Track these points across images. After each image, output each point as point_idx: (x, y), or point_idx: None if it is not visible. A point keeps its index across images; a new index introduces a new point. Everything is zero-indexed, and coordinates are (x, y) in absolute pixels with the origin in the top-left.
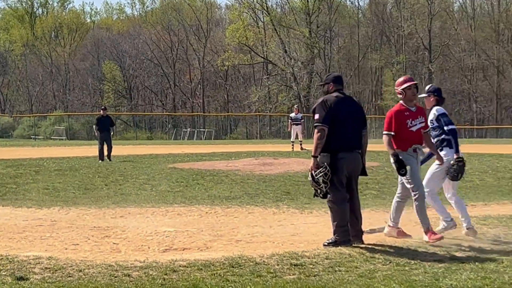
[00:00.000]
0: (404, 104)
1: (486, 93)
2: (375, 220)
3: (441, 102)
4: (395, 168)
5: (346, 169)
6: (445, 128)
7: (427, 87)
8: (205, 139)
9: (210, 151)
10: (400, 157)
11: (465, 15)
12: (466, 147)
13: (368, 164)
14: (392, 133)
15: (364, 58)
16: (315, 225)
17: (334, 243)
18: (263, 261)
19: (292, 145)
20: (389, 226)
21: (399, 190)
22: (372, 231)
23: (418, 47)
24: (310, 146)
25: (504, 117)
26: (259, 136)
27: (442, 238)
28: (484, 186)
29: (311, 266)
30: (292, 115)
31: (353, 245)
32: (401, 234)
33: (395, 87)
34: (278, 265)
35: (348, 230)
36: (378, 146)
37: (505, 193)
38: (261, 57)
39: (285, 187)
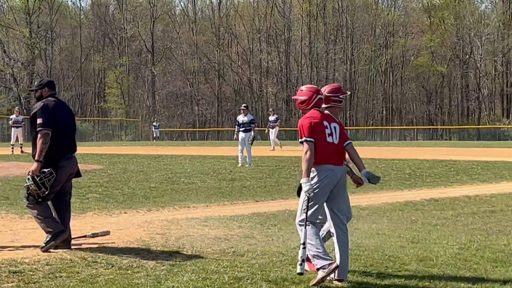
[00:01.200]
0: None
1: (207, 96)
2: (97, 224)
3: None
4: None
5: (65, 174)
6: None
7: None
8: None
9: None
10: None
11: (187, 18)
12: (193, 150)
13: (90, 167)
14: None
15: (87, 59)
16: (35, 230)
17: (52, 238)
18: None
19: (12, 148)
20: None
21: None
22: (94, 235)
23: (141, 49)
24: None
25: (225, 119)
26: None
27: None
28: (205, 188)
29: (30, 273)
30: (13, 117)
31: (72, 249)
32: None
33: (331, 93)
34: None
35: (56, 220)
36: (101, 149)
37: (226, 194)
38: None
39: (4, 191)
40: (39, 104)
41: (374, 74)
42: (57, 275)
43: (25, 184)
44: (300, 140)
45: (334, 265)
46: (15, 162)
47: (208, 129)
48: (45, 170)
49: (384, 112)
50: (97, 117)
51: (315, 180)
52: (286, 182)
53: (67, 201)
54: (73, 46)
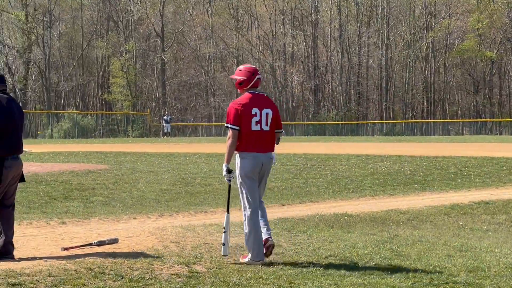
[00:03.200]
0: None
1: (225, 85)
2: (104, 231)
3: None
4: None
5: (11, 175)
6: None
7: None
8: None
9: None
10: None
11: None
12: (209, 147)
13: (94, 167)
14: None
15: (89, 46)
16: (35, 238)
17: None
18: None
19: None
20: None
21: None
22: (101, 243)
23: (149, 34)
24: None
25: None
26: None
27: None
28: (224, 190)
29: (31, 285)
30: None
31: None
32: None
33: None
34: None
35: None
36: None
37: None
38: None
39: None
40: None
41: (413, 61)
42: (61, 287)
43: None
44: (225, 125)
45: (258, 259)
46: None
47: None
48: None
49: (424, 103)
50: (101, 111)
51: (239, 166)
52: (315, 183)
53: (9, 211)
54: (74, 31)
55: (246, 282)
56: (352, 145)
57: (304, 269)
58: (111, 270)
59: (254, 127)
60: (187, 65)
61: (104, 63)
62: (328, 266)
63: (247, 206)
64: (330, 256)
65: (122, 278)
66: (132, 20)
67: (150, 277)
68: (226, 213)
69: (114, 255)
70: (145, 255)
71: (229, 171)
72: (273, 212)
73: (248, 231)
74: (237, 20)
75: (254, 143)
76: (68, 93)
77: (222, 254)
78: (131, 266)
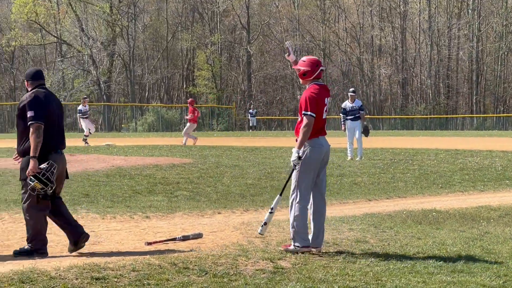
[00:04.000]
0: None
1: None
2: (188, 226)
3: None
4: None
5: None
6: None
7: None
8: None
9: None
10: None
11: None
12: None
13: (179, 160)
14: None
15: (174, 38)
16: (119, 232)
17: (28, 252)
18: (59, 274)
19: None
20: None
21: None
22: (185, 238)
23: (235, 26)
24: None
25: (331, 105)
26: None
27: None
28: None
29: (115, 279)
30: (81, 108)
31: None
32: None
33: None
34: (77, 279)
35: (45, 239)
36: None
37: (334, 192)
38: (54, 36)
39: (84, 188)
40: (30, 95)
41: (506, 53)
42: (145, 282)
43: (29, 187)
44: (303, 112)
45: (305, 250)
46: (95, 154)
47: None
48: (44, 164)
49: None
50: (185, 104)
51: (307, 154)
52: (403, 178)
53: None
54: (159, 23)
55: (332, 278)
56: (441, 139)
57: (391, 266)
58: (195, 265)
59: (324, 115)
60: (273, 58)
61: (189, 56)
62: (415, 263)
63: (299, 194)
64: (418, 253)
65: (206, 274)
66: (218, 11)
67: (235, 272)
68: (278, 195)
69: (198, 250)
70: (230, 250)
71: (300, 158)
72: (360, 208)
73: (296, 216)
74: (324, 12)
75: (321, 131)
76: (153, 85)
77: (258, 232)
78: (215, 261)
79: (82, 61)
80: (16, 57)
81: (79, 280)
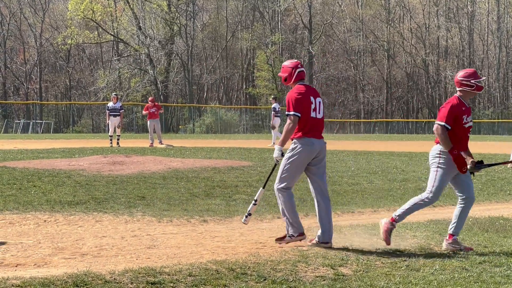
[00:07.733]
0: (461, 98)
1: (375, 80)
2: (246, 230)
3: None
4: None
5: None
6: None
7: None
8: (42, 133)
9: (49, 147)
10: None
11: None
12: (357, 144)
13: (238, 163)
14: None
15: (233, 37)
16: (175, 236)
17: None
18: (114, 278)
19: (111, 140)
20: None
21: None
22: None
23: (296, 25)
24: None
25: (395, 108)
26: (107, 129)
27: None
28: (372, 190)
29: (171, 284)
30: (110, 104)
31: (220, 259)
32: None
33: (464, 78)
34: (132, 283)
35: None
36: (249, 142)
37: (397, 198)
38: (110, 34)
39: (140, 190)
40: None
41: None
42: (201, 287)
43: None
44: (287, 113)
45: (300, 238)
46: (152, 156)
47: (375, 120)
48: None
49: None
50: (245, 105)
51: (296, 150)
52: None
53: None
54: (218, 22)
55: (395, 286)
56: (510, 144)
57: (456, 275)
58: (254, 271)
59: (312, 114)
60: (335, 59)
61: (248, 56)
62: (481, 273)
63: (282, 182)
64: (484, 262)
65: (264, 280)
66: (279, 10)
67: (294, 279)
68: (261, 188)
69: (256, 255)
70: (289, 256)
71: (282, 154)
72: (424, 214)
73: (283, 202)
74: (389, 12)
75: (310, 129)
76: (211, 86)
77: (242, 221)
78: (274, 267)
79: (139, 60)
80: (72, 56)
81: (134, 284)
